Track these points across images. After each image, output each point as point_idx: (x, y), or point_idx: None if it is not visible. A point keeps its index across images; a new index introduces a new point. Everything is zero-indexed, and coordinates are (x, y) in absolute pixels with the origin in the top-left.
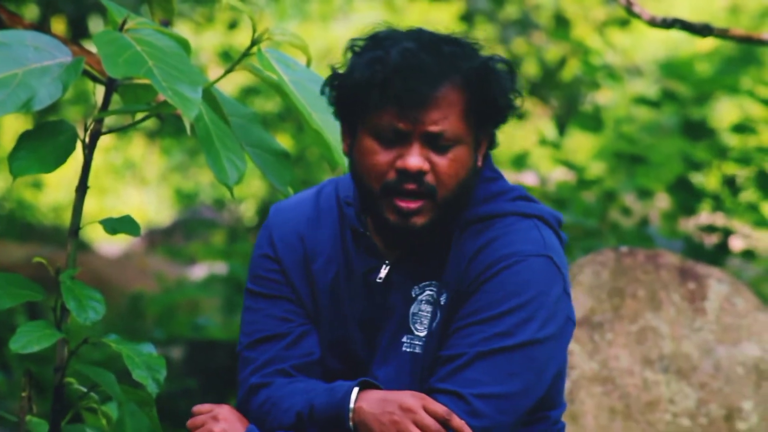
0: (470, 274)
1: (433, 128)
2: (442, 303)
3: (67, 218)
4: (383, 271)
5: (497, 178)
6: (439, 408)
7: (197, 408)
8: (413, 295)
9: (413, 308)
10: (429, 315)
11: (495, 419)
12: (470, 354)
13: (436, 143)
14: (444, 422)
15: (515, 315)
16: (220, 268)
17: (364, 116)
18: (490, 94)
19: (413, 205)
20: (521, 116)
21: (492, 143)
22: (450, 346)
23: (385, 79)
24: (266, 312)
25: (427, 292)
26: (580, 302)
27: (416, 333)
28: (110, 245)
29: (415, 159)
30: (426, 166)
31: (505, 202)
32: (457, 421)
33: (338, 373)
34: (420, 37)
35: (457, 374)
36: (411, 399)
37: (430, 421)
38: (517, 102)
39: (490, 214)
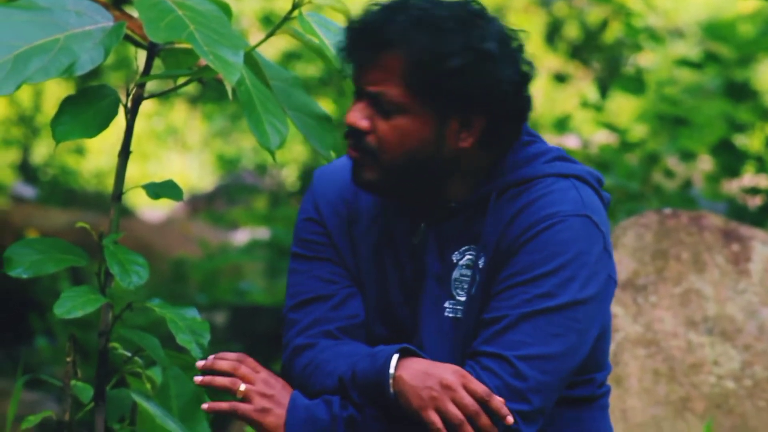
0: (509, 237)
1: (371, 88)
2: (480, 266)
3: (109, 184)
4: (420, 233)
5: (534, 141)
6: (479, 387)
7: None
8: (454, 261)
9: (455, 273)
10: (469, 279)
11: (539, 380)
12: (513, 316)
13: (379, 106)
14: (483, 402)
15: (556, 276)
16: (263, 233)
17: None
18: (434, 71)
19: (354, 153)
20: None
21: (498, 129)
22: (492, 308)
23: (346, 38)
24: (311, 274)
25: (467, 257)
26: (624, 265)
27: (458, 298)
28: (153, 211)
29: (351, 114)
30: (363, 124)
31: (542, 164)
32: (497, 401)
33: (383, 338)
34: (394, 4)
35: (500, 336)
36: (452, 376)
37: (468, 401)
38: (505, 89)
39: (528, 176)
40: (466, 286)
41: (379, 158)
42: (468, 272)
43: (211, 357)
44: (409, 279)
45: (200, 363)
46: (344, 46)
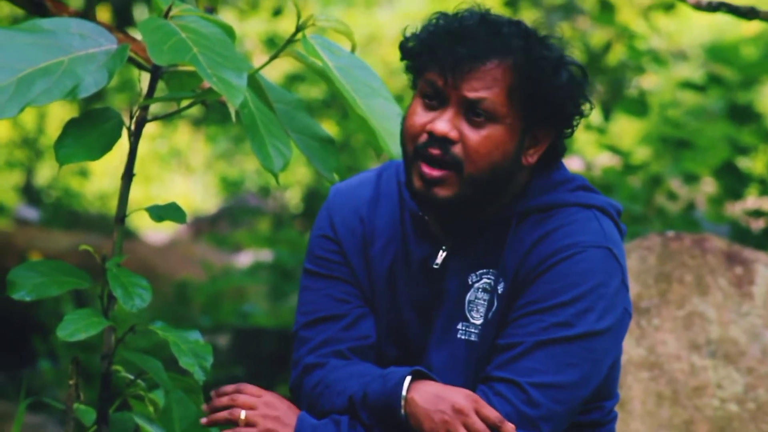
0: (529, 264)
1: (471, 94)
2: (499, 292)
3: (113, 206)
4: (440, 257)
5: (558, 168)
6: (492, 413)
7: (223, 389)
8: (470, 282)
9: (470, 295)
10: (485, 303)
11: (550, 408)
12: (528, 343)
13: (472, 113)
14: (495, 428)
15: (574, 305)
16: (266, 255)
17: (418, 80)
18: (540, 84)
19: (436, 173)
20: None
21: (556, 148)
22: (508, 335)
23: (437, 42)
24: (324, 292)
25: (484, 280)
26: None
27: (472, 321)
28: (156, 233)
29: (442, 123)
30: (453, 134)
31: (565, 193)
32: (508, 428)
33: (394, 359)
34: (487, 15)
35: (514, 363)
36: (464, 400)
37: (480, 426)
38: (582, 107)
39: (551, 204)
40: (481, 309)
41: (464, 170)
42: (484, 295)
43: (213, 392)
44: (423, 301)
45: (204, 406)
46: (431, 51)
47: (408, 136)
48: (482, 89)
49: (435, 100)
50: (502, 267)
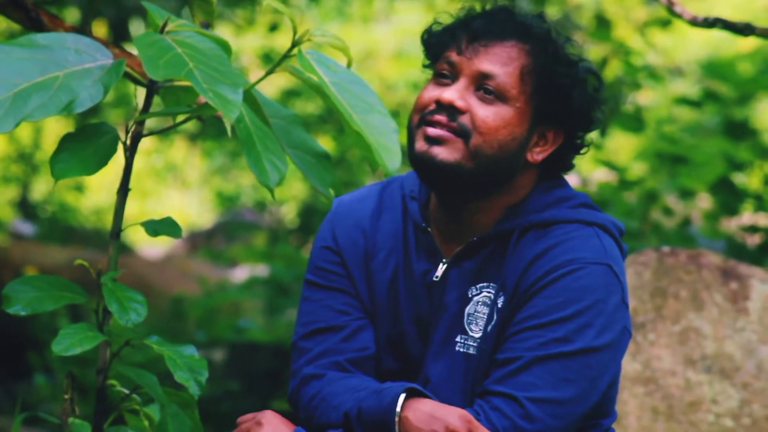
0: (529, 279)
1: (484, 66)
2: (499, 305)
3: (108, 221)
4: (440, 270)
5: (561, 185)
6: None
7: (241, 418)
8: (469, 295)
9: (469, 308)
10: (485, 317)
11: (547, 424)
12: (526, 358)
13: (482, 87)
14: None
15: (573, 321)
16: (262, 270)
17: (435, 63)
18: (556, 74)
19: (440, 131)
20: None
21: (563, 157)
22: (506, 349)
23: (458, 23)
24: (324, 303)
25: (484, 293)
26: None
27: (470, 334)
28: (152, 248)
29: (450, 92)
30: (462, 104)
31: (567, 209)
32: None
33: (392, 371)
34: (512, 6)
35: (512, 377)
36: (457, 421)
37: None
38: (595, 116)
39: (552, 219)
40: (480, 322)
41: (471, 140)
42: (483, 309)
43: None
44: (423, 313)
45: None
46: (452, 31)
47: (416, 109)
48: (497, 64)
49: (448, 78)
50: (502, 281)
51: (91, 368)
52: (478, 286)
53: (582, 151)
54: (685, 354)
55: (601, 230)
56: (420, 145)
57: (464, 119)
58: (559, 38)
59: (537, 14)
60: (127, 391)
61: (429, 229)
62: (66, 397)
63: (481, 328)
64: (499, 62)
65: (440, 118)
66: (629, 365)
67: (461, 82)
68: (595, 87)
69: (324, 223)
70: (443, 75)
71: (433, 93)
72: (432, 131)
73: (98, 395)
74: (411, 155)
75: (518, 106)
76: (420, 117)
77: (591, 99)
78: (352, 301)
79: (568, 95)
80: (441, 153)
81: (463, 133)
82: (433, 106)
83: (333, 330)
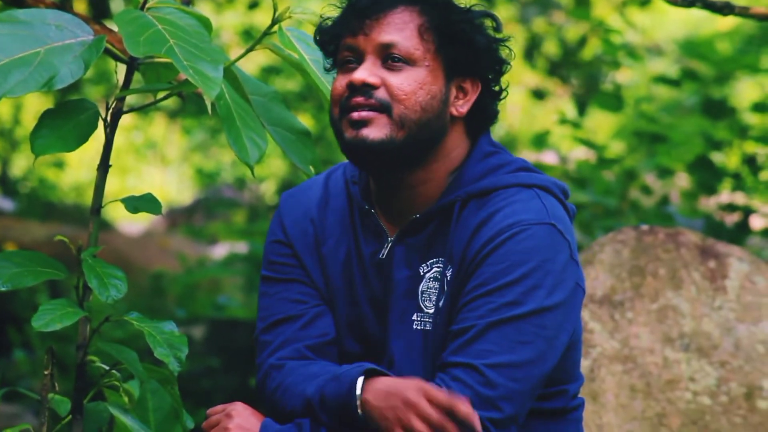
0: (474, 248)
1: (384, 37)
2: (448, 278)
3: (88, 197)
4: (386, 249)
5: (497, 152)
6: (441, 396)
7: (211, 410)
8: (421, 273)
9: (422, 286)
10: (436, 291)
11: (509, 388)
12: (480, 326)
13: (388, 58)
14: (448, 410)
15: (522, 284)
16: (241, 247)
17: (336, 57)
18: (451, 22)
19: (364, 113)
20: (505, 68)
21: (486, 104)
22: (459, 320)
23: (344, 11)
24: (280, 296)
25: (434, 269)
26: (601, 281)
27: (426, 311)
28: (132, 224)
29: (360, 72)
30: (373, 80)
31: (505, 174)
32: (461, 407)
33: (355, 354)
34: None
35: (468, 347)
36: (413, 392)
37: (431, 413)
38: (502, 54)
39: (491, 187)
40: (433, 298)
41: (393, 110)
42: (435, 284)
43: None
44: (378, 294)
45: None
46: (341, 20)
47: (333, 102)
48: (393, 32)
49: (354, 63)
50: (449, 254)
51: (70, 344)
52: (428, 263)
53: (502, 96)
54: (663, 332)
55: (542, 191)
56: (349, 132)
57: (380, 93)
58: None
59: None
60: (106, 367)
61: (372, 211)
62: (46, 372)
63: (434, 303)
64: (395, 29)
65: (358, 100)
66: (607, 343)
67: (367, 61)
68: (494, 27)
69: (273, 218)
70: (348, 61)
71: (344, 80)
72: (355, 115)
73: (78, 371)
74: (343, 146)
75: (427, 65)
76: (339, 107)
77: (493, 39)
78: (308, 290)
79: (471, 40)
80: (371, 133)
81: (384, 108)
82: (347, 92)
83: (291, 320)
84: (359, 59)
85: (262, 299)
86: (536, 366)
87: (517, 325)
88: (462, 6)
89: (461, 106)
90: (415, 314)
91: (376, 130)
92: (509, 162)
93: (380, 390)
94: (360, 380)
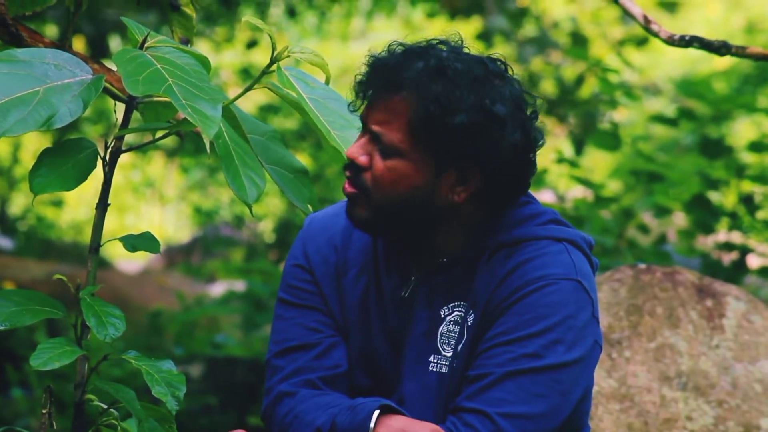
0: (499, 296)
1: (375, 127)
2: (469, 323)
3: (87, 235)
4: (409, 287)
5: (530, 202)
6: None
7: None
8: (442, 315)
9: (442, 328)
10: (456, 335)
11: None
12: (497, 374)
13: (379, 144)
14: None
15: (544, 337)
16: (239, 285)
17: None
18: (436, 122)
19: (350, 189)
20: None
21: (496, 186)
22: (477, 366)
23: (360, 78)
24: (296, 321)
25: (456, 313)
26: None
27: (443, 353)
28: (130, 263)
29: (353, 147)
30: (362, 160)
31: (536, 226)
32: None
33: (365, 388)
34: (383, 59)
35: (483, 393)
36: None
37: None
38: (503, 145)
39: (522, 237)
40: (452, 342)
41: (371, 197)
42: (455, 328)
43: None
44: (394, 330)
45: None
46: (361, 81)
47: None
48: (385, 122)
49: (363, 128)
50: (472, 299)
51: (69, 383)
52: (450, 306)
53: (529, 173)
54: (660, 371)
55: (570, 246)
56: (347, 202)
57: (364, 177)
58: (446, 78)
59: (433, 54)
60: (104, 406)
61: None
62: (44, 411)
63: (453, 347)
64: (384, 120)
65: (348, 174)
66: (604, 382)
67: (363, 139)
68: (497, 115)
69: (296, 241)
70: (363, 123)
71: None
72: (346, 188)
73: (76, 410)
74: None
75: (414, 158)
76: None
77: (488, 128)
78: (324, 319)
79: (465, 138)
80: (355, 210)
81: (364, 190)
82: (348, 161)
83: (305, 348)
84: (364, 128)
85: (277, 321)
86: (548, 419)
87: (534, 377)
88: (455, 97)
89: (458, 194)
90: (433, 356)
91: (359, 209)
92: (541, 213)
93: (394, 427)
94: (375, 414)
